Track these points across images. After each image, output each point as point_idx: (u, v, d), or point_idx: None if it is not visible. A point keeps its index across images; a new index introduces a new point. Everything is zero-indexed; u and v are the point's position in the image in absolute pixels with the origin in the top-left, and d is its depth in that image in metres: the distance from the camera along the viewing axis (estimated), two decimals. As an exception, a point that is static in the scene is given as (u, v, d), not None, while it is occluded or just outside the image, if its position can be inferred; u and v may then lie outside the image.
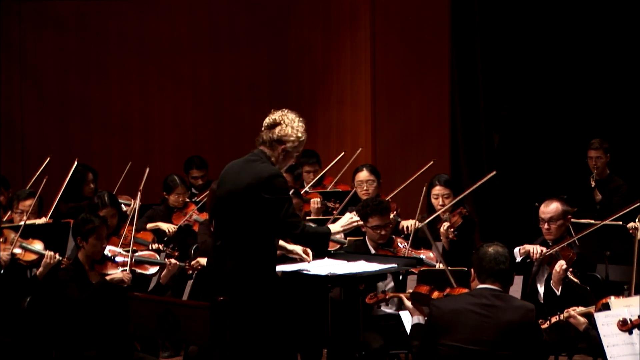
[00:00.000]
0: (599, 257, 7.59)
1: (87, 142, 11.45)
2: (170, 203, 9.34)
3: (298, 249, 6.39)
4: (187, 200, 9.39)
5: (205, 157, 10.47)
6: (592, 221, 7.82)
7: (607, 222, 7.39)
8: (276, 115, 6.11)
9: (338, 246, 8.07)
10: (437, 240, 8.04)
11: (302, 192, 8.96)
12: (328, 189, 9.57)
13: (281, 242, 6.43)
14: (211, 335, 5.34)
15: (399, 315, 6.49)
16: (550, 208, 7.37)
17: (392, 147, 10.91)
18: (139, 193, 8.26)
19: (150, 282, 7.52)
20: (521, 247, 7.32)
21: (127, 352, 6.81)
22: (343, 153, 9.97)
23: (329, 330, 6.69)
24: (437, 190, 8.25)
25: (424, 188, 8.26)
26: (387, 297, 6.76)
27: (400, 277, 7.15)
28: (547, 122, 11.72)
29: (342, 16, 11.19)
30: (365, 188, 8.76)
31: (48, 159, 9.26)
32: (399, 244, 7.62)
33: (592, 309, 6.22)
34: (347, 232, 8.05)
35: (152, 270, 7.43)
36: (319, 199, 9.06)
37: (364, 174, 8.82)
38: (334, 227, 6.29)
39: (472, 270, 5.52)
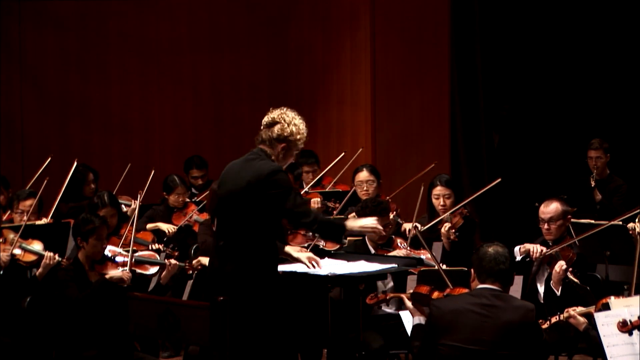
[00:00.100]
0: (599, 257, 7.59)
1: (87, 142, 11.45)
2: (170, 203, 9.34)
3: (303, 256, 6.37)
4: (187, 200, 9.39)
5: (205, 157, 10.47)
6: (592, 221, 7.82)
7: (608, 223, 7.37)
8: (275, 114, 6.11)
9: (338, 246, 8.07)
10: (437, 240, 8.04)
11: (302, 192, 8.96)
12: (327, 189, 9.57)
13: (287, 249, 6.43)
14: (211, 335, 5.34)
15: (399, 315, 6.49)
16: (550, 208, 7.37)
17: (392, 147, 10.91)
18: (139, 195, 8.27)
19: (150, 283, 7.52)
20: (521, 245, 7.33)
21: (127, 352, 6.81)
22: (343, 154, 9.97)
23: (329, 330, 6.70)
24: (438, 190, 8.24)
25: (422, 188, 8.24)
26: (387, 297, 6.76)
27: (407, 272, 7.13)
28: (547, 122, 11.72)
29: (342, 16, 11.19)
30: (365, 188, 8.76)
31: (49, 159, 9.25)
32: (399, 244, 7.61)
33: (592, 309, 6.22)
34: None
35: (152, 270, 7.43)
36: (319, 199, 9.06)
37: (363, 174, 8.82)
38: (351, 224, 6.23)
39: (472, 270, 5.53)
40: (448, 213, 8.12)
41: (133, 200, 9.07)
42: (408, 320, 6.10)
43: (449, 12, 10.90)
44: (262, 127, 6.14)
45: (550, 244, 7.32)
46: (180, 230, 8.99)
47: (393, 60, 10.92)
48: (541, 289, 7.20)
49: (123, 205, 8.63)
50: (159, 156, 11.51)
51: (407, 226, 8.26)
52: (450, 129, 11.01)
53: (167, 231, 8.91)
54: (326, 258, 6.57)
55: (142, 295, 6.25)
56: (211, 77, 11.63)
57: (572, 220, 7.59)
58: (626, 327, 5.68)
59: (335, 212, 8.62)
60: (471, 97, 11.03)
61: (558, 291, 7.00)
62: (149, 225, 8.98)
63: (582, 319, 6.27)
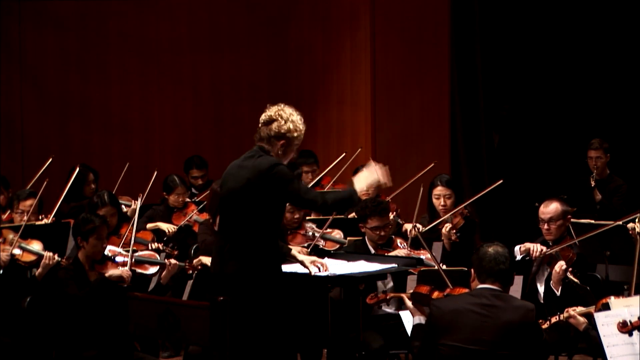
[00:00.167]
0: (599, 257, 7.58)
1: (87, 142, 11.45)
2: (170, 203, 9.34)
3: (307, 260, 6.37)
4: (187, 200, 9.39)
5: (205, 157, 10.48)
6: (592, 221, 7.81)
7: (612, 224, 7.36)
8: (272, 112, 6.11)
9: (338, 246, 8.07)
10: (437, 240, 8.04)
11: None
12: (326, 189, 9.56)
13: (292, 251, 6.43)
14: (211, 335, 5.35)
15: (399, 315, 6.49)
16: (550, 208, 7.36)
17: (392, 147, 10.91)
18: (139, 197, 8.28)
19: (151, 282, 7.52)
20: (522, 245, 7.32)
21: (127, 352, 6.81)
22: (344, 154, 9.97)
23: (329, 330, 6.70)
24: (439, 190, 8.24)
25: (421, 189, 8.23)
26: (387, 297, 6.76)
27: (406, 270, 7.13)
28: (547, 122, 11.72)
29: (342, 16, 11.19)
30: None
31: (50, 159, 9.25)
32: (399, 244, 7.61)
33: (592, 309, 6.22)
34: (347, 232, 8.10)
35: (152, 270, 7.43)
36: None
37: (364, 174, 8.80)
38: (358, 184, 6.17)
39: (472, 270, 5.53)
40: (449, 214, 8.11)
41: (133, 201, 9.06)
42: (408, 320, 6.10)
43: (449, 12, 10.91)
44: (260, 125, 6.14)
45: (550, 244, 7.32)
46: (180, 230, 8.99)
47: (393, 60, 10.92)
48: (541, 289, 7.19)
49: (123, 206, 8.62)
50: (159, 156, 11.51)
51: (408, 226, 8.25)
52: (450, 129, 11.02)
53: (167, 231, 8.91)
54: (326, 258, 6.57)
55: (142, 295, 6.25)
56: (211, 77, 11.63)
57: (572, 220, 7.59)
58: (626, 328, 5.68)
59: (335, 213, 8.61)
60: (471, 97, 11.03)
61: (558, 291, 7.00)
62: (149, 225, 8.98)
63: (582, 319, 6.27)
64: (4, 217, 8.22)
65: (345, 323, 6.64)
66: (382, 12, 10.89)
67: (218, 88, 11.63)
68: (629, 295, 6.58)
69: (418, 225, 8.04)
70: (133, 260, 7.21)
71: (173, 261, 7.47)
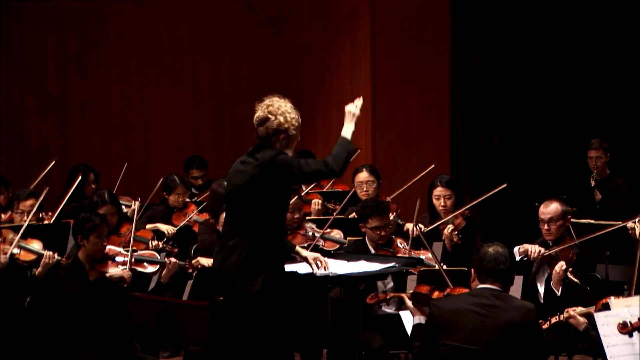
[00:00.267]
0: (599, 257, 7.58)
1: (87, 142, 11.45)
2: (170, 203, 9.33)
3: (310, 257, 6.38)
4: (187, 200, 9.39)
5: (205, 157, 10.48)
6: (592, 221, 7.81)
7: (612, 227, 7.35)
8: (261, 111, 6.09)
9: (338, 246, 8.07)
10: (437, 240, 8.04)
11: (302, 193, 8.95)
12: (325, 189, 9.56)
13: (297, 248, 6.43)
14: (211, 335, 5.35)
15: (399, 315, 6.49)
16: (550, 209, 7.36)
17: (392, 147, 10.91)
18: (138, 200, 8.29)
19: (151, 282, 7.52)
20: (520, 246, 7.32)
21: (127, 352, 6.81)
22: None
23: (329, 330, 6.69)
24: (439, 191, 8.23)
25: (419, 199, 8.21)
26: (387, 297, 6.76)
27: (405, 270, 7.13)
28: (547, 122, 11.72)
29: (342, 16, 11.20)
30: (365, 189, 8.76)
31: (53, 162, 9.22)
32: (399, 244, 7.61)
33: (592, 309, 6.22)
34: (347, 232, 8.09)
35: (152, 269, 7.43)
36: (319, 200, 9.06)
37: (363, 175, 8.82)
38: (346, 132, 6.27)
39: (472, 270, 5.53)
40: (451, 216, 8.10)
41: (133, 201, 9.06)
42: (408, 320, 6.10)
43: (449, 12, 10.90)
44: (255, 125, 6.15)
45: (550, 244, 7.32)
46: (180, 230, 8.98)
47: (393, 60, 10.92)
48: (541, 289, 7.19)
49: (123, 206, 8.62)
50: (159, 156, 11.51)
51: (409, 226, 8.25)
52: (450, 129, 11.01)
53: (166, 232, 8.90)
54: (326, 258, 6.57)
55: (142, 295, 6.25)
56: (211, 77, 11.63)
57: (572, 220, 7.58)
58: (626, 329, 5.68)
59: (335, 214, 8.62)
60: (471, 97, 11.03)
61: (558, 291, 6.99)
62: (149, 226, 8.97)
63: (582, 319, 6.27)
64: (5, 217, 8.21)
65: (345, 323, 6.64)
66: (382, 12, 10.89)
67: (218, 88, 11.63)
68: (629, 295, 6.58)
69: (420, 225, 8.04)
70: (133, 259, 7.22)
71: (173, 260, 7.47)
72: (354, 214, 8.33)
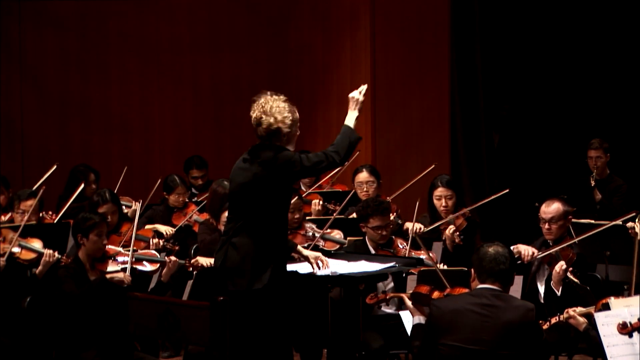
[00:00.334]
0: (599, 257, 7.58)
1: (87, 142, 11.45)
2: (170, 203, 9.33)
3: (311, 256, 6.38)
4: (187, 200, 9.39)
5: (205, 157, 10.47)
6: (592, 221, 7.81)
7: (609, 224, 7.35)
8: (256, 113, 6.10)
9: (338, 246, 8.07)
10: (438, 240, 8.03)
11: (302, 194, 8.95)
12: (325, 189, 9.55)
13: (298, 247, 6.44)
14: (211, 335, 5.34)
15: (399, 315, 6.49)
16: (552, 208, 7.35)
17: (392, 147, 10.91)
18: (140, 202, 8.30)
19: (151, 281, 7.52)
20: (514, 246, 7.30)
21: (127, 352, 6.81)
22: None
23: (329, 330, 6.69)
24: (440, 191, 8.21)
25: (419, 199, 8.21)
26: (387, 297, 6.76)
27: (404, 274, 7.14)
28: (547, 122, 11.72)
29: (342, 16, 11.19)
30: (365, 189, 8.75)
31: (54, 167, 9.20)
32: (399, 245, 7.61)
33: (592, 309, 6.22)
34: (347, 232, 8.09)
35: (152, 268, 7.42)
36: (319, 200, 9.05)
37: (363, 175, 8.81)
38: (349, 120, 6.26)
39: (472, 270, 5.53)
40: (452, 216, 8.09)
41: (134, 202, 9.07)
42: (408, 320, 6.10)
43: (449, 12, 10.90)
44: (254, 127, 6.16)
45: (551, 243, 7.32)
46: (180, 230, 8.98)
47: (393, 60, 10.91)
48: (541, 289, 7.19)
49: (123, 206, 8.62)
50: (159, 156, 11.51)
51: (409, 225, 8.24)
52: (450, 129, 11.01)
53: (165, 233, 8.89)
54: (326, 258, 6.57)
55: (142, 295, 6.25)
56: (211, 77, 11.63)
57: (572, 220, 7.58)
58: (626, 329, 5.68)
59: (335, 214, 8.62)
60: (471, 97, 11.03)
61: (558, 291, 6.99)
62: (148, 227, 8.97)
63: (582, 319, 6.27)
64: (5, 217, 8.21)
65: (345, 323, 6.64)
66: (382, 12, 10.89)
67: (218, 88, 11.63)
68: (629, 295, 6.58)
69: (419, 225, 8.03)
70: (133, 259, 7.22)
71: (173, 258, 7.46)
72: (354, 214, 8.33)
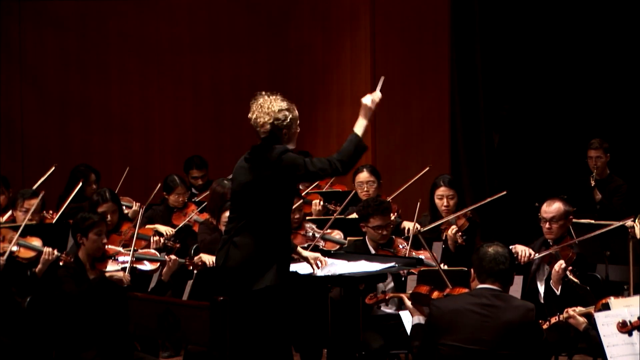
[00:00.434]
0: (599, 257, 7.59)
1: (87, 142, 11.45)
2: (170, 203, 9.33)
3: (310, 257, 6.38)
4: (187, 200, 9.39)
5: (205, 157, 10.47)
6: (592, 221, 7.81)
7: (611, 226, 7.35)
8: (254, 115, 6.12)
9: (338, 246, 8.07)
10: (438, 240, 8.03)
11: (302, 194, 8.95)
12: (326, 189, 9.55)
13: (297, 248, 6.44)
14: (211, 335, 5.35)
15: (399, 315, 6.49)
16: (553, 208, 7.35)
17: (392, 148, 10.90)
18: (141, 205, 8.32)
19: (151, 281, 7.52)
20: (512, 247, 7.29)
21: (127, 352, 6.81)
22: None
23: (329, 330, 6.69)
24: (442, 191, 8.20)
25: (419, 199, 8.20)
26: (387, 297, 6.76)
27: (403, 278, 7.15)
28: (547, 122, 11.72)
29: (342, 16, 11.19)
30: (365, 189, 8.75)
31: (53, 168, 9.21)
32: (399, 245, 7.60)
33: (592, 309, 6.23)
34: (347, 232, 8.09)
35: (153, 267, 7.42)
36: (319, 201, 9.05)
37: (364, 175, 8.81)
38: (359, 128, 6.31)
39: (472, 270, 5.53)
40: (452, 216, 8.08)
41: (134, 202, 9.07)
42: (408, 320, 6.10)
43: (449, 12, 10.90)
44: (255, 127, 6.17)
45: (551, 243, 7.32)
46: (180, 230, 8.98)
47: (393, 60, 10.91)
48: (541, 288, 7.19)
49: (124, 207, 8.62)
50: (159, 156, 11.51)
51: (407, 225, 8.24)
52: (450, 129, 11.01)
53: (165, 233, 8.89)
54: (326, 258, 6.57)
55: (142, 295, 6.26)
56: (211, 77, 11.63)
57: (573, 220, 7.58)
58: (626, 328, 5.68)
59: (335, 214, 8.62)
60: (471, 97, 11.03)
61: (558, 290, 6.99)
62: (147, 227, 8.96)
63: (582, 319, 6.27)
64: (6, 216, 8.21)
65: (345, 323, 6.64)
66: (382, 12, 10.89)
67: (218, 88, 11.63)
68: (629, 295, 6.58)
69: (417, 225, 8.02)
70: (134, 258, 7.22)
71: (173, 257, 7.47)
72: (354, 214, 8.32)
